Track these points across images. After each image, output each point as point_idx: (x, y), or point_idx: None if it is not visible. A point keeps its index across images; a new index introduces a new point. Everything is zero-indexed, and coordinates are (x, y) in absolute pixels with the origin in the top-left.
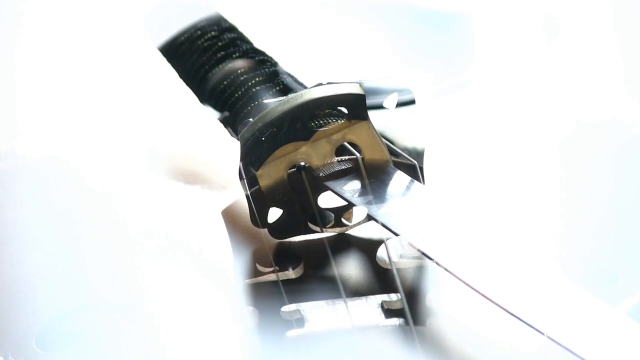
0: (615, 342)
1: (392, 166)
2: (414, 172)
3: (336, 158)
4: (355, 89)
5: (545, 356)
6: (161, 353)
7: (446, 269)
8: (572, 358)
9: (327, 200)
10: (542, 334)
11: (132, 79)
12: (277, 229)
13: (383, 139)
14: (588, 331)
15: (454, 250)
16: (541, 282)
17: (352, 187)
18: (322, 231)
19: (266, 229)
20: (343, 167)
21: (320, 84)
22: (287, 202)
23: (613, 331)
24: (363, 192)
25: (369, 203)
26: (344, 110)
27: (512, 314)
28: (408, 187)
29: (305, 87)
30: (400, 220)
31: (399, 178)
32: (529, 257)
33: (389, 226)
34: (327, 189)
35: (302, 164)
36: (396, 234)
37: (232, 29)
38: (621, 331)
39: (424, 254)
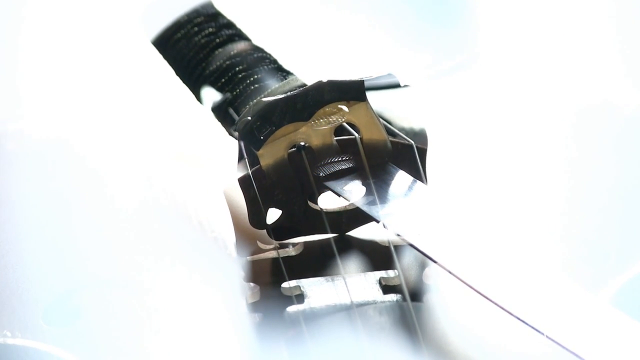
0: (612, 340)
1: (394, 166)
2: (411, 151)
3: (335, 138)
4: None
5: (541, 335)
6: (163, 328)
7: (449, 271)
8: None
9: (327, 201)
10: (542, 333)
11: (135, 67)
12: (277, 230)
13: (381, 120)
14: (585, 328)
15: (457, 250)
16: (543, 283)
17: (353, 188)
18: (321, 210)
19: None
20: (344, 167)
21: (321, 82)
22: (286, 202)
23: (610, 328)
24: (365, 192)
25: (370, 204)
26: (345, 108)
27: (519, 319)
28: (410, 187)
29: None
30: (402, 221)
31: (401, 178)
32: (531, 256)
33: (391, 227)
34: (327, 166)
35: (302, 143)
36: (413, 246)
37: (230, 25)
38: (619, 329)
39: (425, 254)
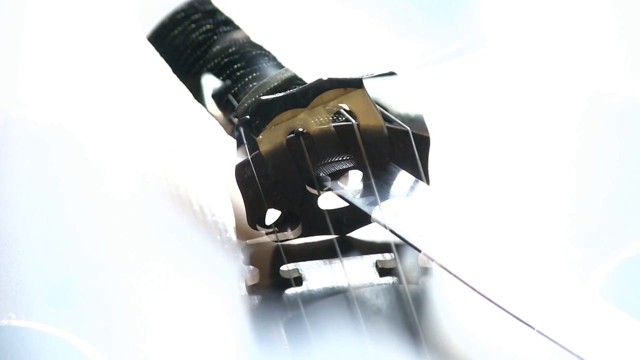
0: (612, 339)
1: (395, 166)
2: (407, 137)
3: (333, 125)
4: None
5: (535, 319)
6: (162, 310)
7: (451, 273)
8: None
9: (327, 201)
10: (533, 329)
11: (137, 57)
12: (277, 225)
13: (377, 106)
14: (583, 325)
15: (458, 251)
16: (546, 284)
17: (354, 188)
18: (319, 194)
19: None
20: (345, 167)
21: (321, 79)
22: (285, 203)
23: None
24: (366, 192)
25: (371, 204)
26: (345, 107)
27: (522, 321)
28: (412, 188)
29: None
30: (404, 222)
31: (403, 178)
32: (533, 255)
33: (392, 228)
34: (325, 151)
35: (300, 129)
36: (400, 237)
37: (228, 21)
38: (611, 325)
39: (427, 255)
